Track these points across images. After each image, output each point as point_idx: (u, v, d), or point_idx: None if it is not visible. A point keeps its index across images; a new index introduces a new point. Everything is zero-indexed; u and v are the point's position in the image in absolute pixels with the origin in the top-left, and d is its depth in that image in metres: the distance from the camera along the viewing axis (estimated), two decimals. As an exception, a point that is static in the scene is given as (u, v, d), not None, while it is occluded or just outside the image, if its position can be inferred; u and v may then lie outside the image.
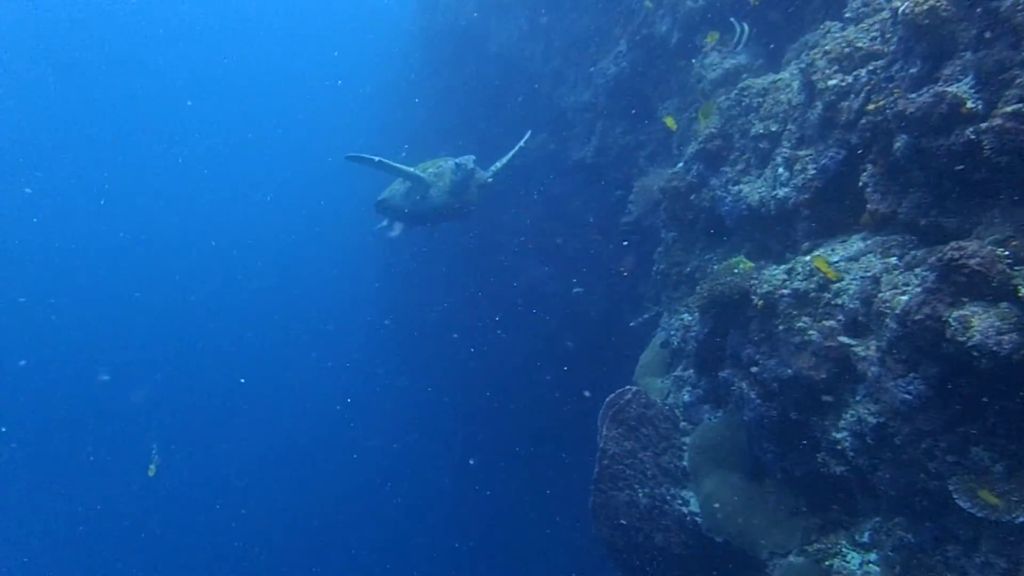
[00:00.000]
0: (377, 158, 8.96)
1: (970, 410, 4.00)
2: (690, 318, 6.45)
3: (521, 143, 10.53)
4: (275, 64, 43.42)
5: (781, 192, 5.51)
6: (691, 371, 6.38)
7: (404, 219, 10.47)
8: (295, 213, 40.02)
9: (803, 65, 5.38)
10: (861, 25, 5.25)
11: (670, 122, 7.24)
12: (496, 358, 16.53)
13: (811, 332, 4.88)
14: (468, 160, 9.42)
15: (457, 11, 16.76)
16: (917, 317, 4.01)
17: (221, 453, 28.36)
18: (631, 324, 8.51)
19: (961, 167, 4.14)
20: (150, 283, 36.76)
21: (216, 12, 42.17)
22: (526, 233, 14.35)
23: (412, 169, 9.51)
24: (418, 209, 9.91)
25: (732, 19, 6.94)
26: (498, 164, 10.24)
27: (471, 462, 17.85)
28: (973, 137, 3.99)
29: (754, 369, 5.28)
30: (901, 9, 4.32)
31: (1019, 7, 3.85)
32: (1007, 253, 3.79)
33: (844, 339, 4.74)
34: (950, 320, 3.81)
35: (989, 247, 3.81)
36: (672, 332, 6.63)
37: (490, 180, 9.87)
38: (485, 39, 15.36)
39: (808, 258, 5.04)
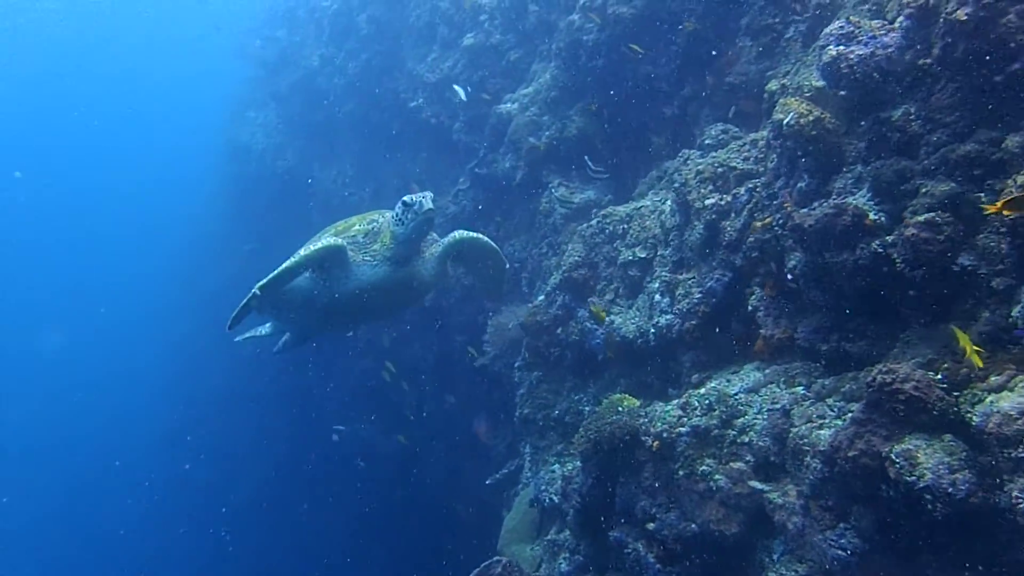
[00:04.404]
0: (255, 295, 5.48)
1: (911, 567, 3.39)
2: (563, 469, 5.57)
3: None
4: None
5: (663, 320, 4.98)
6: (566, 533, 5.42)
7: (302, 319, 6.11)
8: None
9: (676, 185, 5.05)
10: (729, 147, 5.06)
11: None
12: (318, 535, 14.48)
13: (717, 477, 4.17)
14: (424, 198, 5.30)
15: (274, 157, 16.15)
16: (850, 454, 3.43)
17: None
18: (487, 482, 7.48)
19: (866, 283, 3.79)
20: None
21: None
22: (354, 385, 13.09)
23: (320, 245, 5.45)
24: (335, 294, 5.65)
25: (586, 158, 6.79)
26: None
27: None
28: (880, 251, 3.66)
29: (651, 526, 4.45)
30: (786, 121, 4.08)
31: (911, 116, 3.70)
32: (940, 377, 3.36)
33: (756, 484, 4.08)
34: (892, 456, 3.24)
35: (920, 371, 3.36)
36: (543, 487, 5.69)
37: (470, 235, 5.96)
38: (308, 181, 14.67)
39: (703, 390, 4.43)
